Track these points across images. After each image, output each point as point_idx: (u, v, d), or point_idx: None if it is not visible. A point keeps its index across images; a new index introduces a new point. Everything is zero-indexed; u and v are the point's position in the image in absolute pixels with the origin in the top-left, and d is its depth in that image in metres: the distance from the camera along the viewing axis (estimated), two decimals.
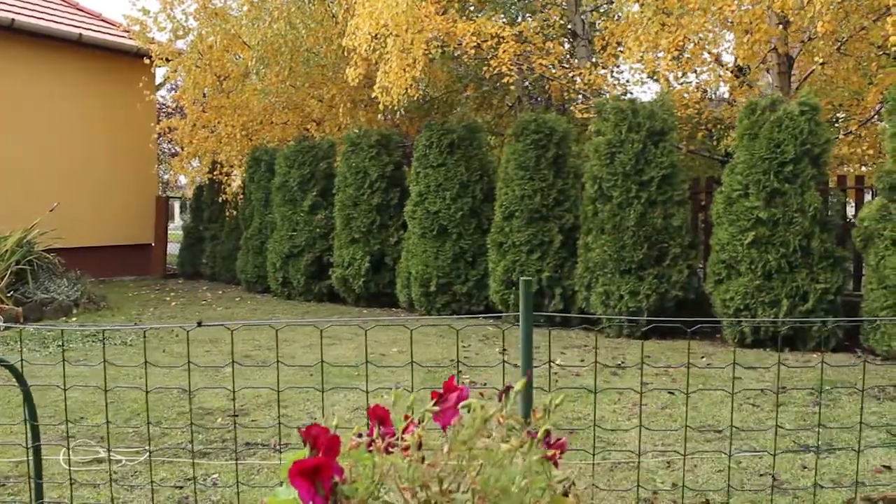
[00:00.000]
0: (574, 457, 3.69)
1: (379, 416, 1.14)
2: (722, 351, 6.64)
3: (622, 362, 6.07)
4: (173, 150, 15.55)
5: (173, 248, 14.83)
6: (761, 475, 3.50)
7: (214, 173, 12.11)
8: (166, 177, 14.52)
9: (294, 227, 10.23)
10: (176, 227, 18.71)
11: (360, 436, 1.11)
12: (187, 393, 5.12)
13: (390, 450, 1.08)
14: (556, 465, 1.19)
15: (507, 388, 1.26)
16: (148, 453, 3.77)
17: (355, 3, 8.32)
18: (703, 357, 6.35)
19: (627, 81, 11.40)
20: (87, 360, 6.21)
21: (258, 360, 6.30)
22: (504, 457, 1.07)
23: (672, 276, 7.13)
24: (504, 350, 6.67)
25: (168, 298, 10.58)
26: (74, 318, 8.76)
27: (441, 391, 1.18)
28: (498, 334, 7.41)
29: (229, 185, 12.06)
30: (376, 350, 6.69)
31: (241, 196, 11.88)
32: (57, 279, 9.44)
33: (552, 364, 6.09)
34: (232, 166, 11.94)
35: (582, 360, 6.19)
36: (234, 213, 12.12)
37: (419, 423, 1.14)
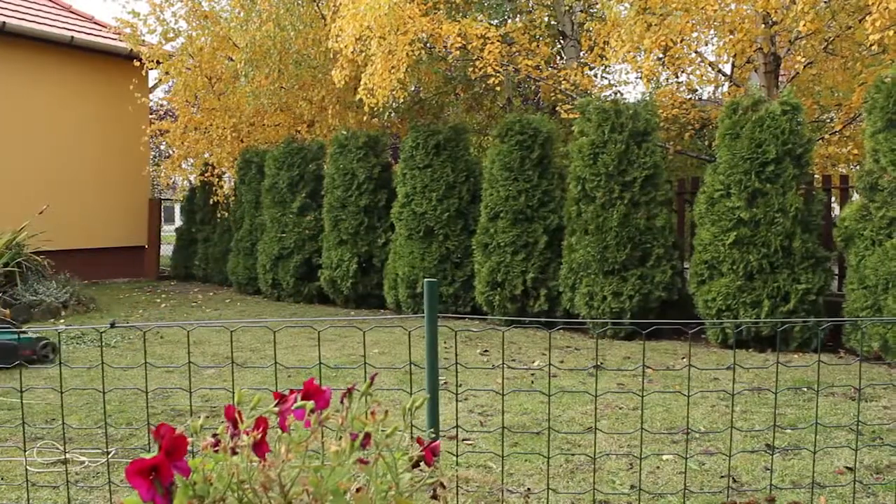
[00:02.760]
0: (537, 459, 3.68)
1: (231, 418, 1.14)
2: (704, 352, 6.61)
3: (601, 363, 6.06)
4: (168, 153, 15.58)
5: (169, 250, 14.86)
6: (722, 477, 3.48)
7: (206, 175, 12.13)
8: (159, 178, 14.51)
9: (283, 228, 10.24)
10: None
11: (214, 436, 1.11)
12: (165, 393, 5.13)
13: (236, 451, 1.07)
14: (428, 465, 1.19)
15: (350, 390, 1.25)
16: (111, 454, 3.77)
17: (340, 4, 8.32)
18: (683, 358, 6.33)
19: (616, 83, 11.35)
20: (68, 362, 6.22)
21: (237, 361, 6.30)
22: (334, 458, 1.07)
23: (655, 276, 7.11)
24: (486, 351, 6.70)
25: (158, 300, 10.60)
26: (63, 320, 8.77)
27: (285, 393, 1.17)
28: (481, 336, 7.41)
29: (221, 187, 12.07)
30: (357, 351, 6.68)
31: (233, 198, 11.90)
32: (46, 281, 9.46)
33: (506, 365, 6.08)
34: (223, 168, 11.95)
35: (562, 362, 6.18)
36: (226, 214, 12.13)
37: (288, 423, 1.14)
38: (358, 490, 1.05)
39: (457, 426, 2.87)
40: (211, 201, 12.34)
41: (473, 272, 8.35)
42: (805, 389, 5.10)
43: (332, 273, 9.55)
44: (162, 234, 14.48)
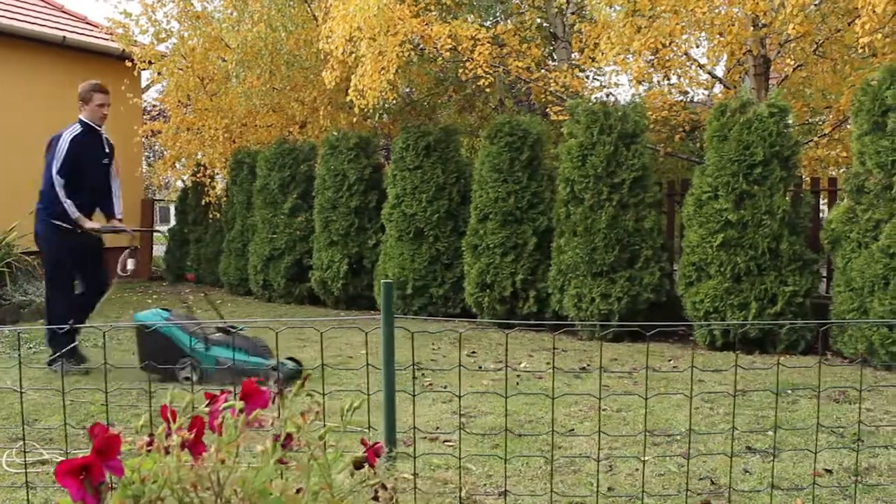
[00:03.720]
0: (517, 461, 3.68)
1: (166, 418, 1.14)
2: (691, 353, 6.61)
3: (587, 366, 6.06)
4: (162, 153, 15.56)
5: (162, 251, 14.83)
6: (700, 479, 3.48)
7: (198, 176, 12.12)
8: (152, 179, 14.50)
9: (274, 229, 10.24)
10: None
11: (151, 436, 1.11)
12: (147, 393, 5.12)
13: (169, 451, 1.07)
14: (371, 466, 1.19)
15: (281, 391, 1.25)
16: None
17: (331, 6, 8.32)
18: (670, 360, 6.34)
19: (608, 84, 11.36)
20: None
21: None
22: (261, 458, 1.07)
23: (644, 278, 7.12)
24: (473, 352, 6.70)
25: (150, 301, 10.58)
26: None
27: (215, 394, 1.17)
28: (470, 337, 7.40)
29: (213, 188, 12.06)
30: (345, 352, 6.68)
31: (225, 199, 11.89)
32: (36, 282, 9.43)
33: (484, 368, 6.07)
34: (215, 169, 11.94)
35: (548, 364, 6.17)
36: (218, 215, 12.12)
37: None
38: (298, 491, 1.04)
39: (414, 427, 2.87)
40: (203, 202, 12.34)
41: (464, 274, 8.35)
42: (790, 392, 5.10)
43: (322, 274, 9.54)
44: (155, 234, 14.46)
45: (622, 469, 3.61)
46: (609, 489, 3.34)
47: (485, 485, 3.40)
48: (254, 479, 1.02)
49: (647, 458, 3.72)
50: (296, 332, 7.50)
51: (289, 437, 1.12)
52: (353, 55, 8.23)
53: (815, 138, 8.46)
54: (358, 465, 1.16)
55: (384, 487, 1.18)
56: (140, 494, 1.00)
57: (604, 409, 4.71)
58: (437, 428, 4.28)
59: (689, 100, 10.83)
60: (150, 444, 1.09)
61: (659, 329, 6.67)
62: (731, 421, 4.45)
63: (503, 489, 3.32)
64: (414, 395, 2.84)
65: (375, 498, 1.17)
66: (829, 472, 3.54)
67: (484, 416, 4.60)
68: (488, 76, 8.71)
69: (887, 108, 5.73)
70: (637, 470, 3.60)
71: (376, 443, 1.19)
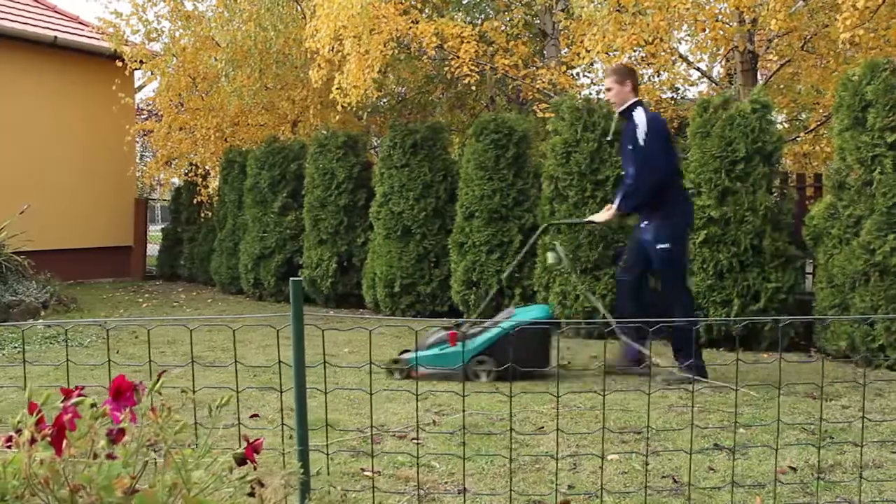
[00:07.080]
0: (480, 459, 3.68)
1: (33, 413, 1.14)
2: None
3: (568, 363, 6.05)
4: (156, 152, 15.58)
5: (156, 250, 14.86)
6: (664, 477, 3.47)
7: (190, 175, 12.14)
8: (143, 179, 14.52)
9: (265, 228, 10.24)
10: None
11: (18, 432, 1.11)
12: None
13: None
14: (252, 462, 1.19)
15: (157, 380, 1.25)
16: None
17: (317, 4, 8.32)
18: (652, 357, 6.31)
19: (597, 81, 11.32)
20: (39, 361, 6.23)
21: (208, 360, 6.31)
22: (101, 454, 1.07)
23: None
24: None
25: (141, 300, 10.60)
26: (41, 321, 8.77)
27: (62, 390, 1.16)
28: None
29: (205, 187, 12.08)
30: (329, 350, 6.66)
31: (217, 198, 11.90)
32: (26, 281, 9.45)
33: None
34: (207, 168, 11.96)
35: None
36: (210, 214, 12.14)
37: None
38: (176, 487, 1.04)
39: (326, 425, 2.88)
40: (195, 201, 12.35)
41: (451, 271, 8.34)
42: (768, 388, 5.08)
43: (312, 272, 9.54)
44: (150, 233, 14.50)
45: (586, 467, 3.60)
46: (569, 487, 3.33)
47: (445, 482, 3.40)
48: (100, 474, 1.01)
49: (611, 457, 3.71)
50: (285, 330, 7.48)
51: (121, 431, 1.12)
52: (340, 53, 8.23)
53: (802, 134, 8.43)
54: (239, 461, 1.16)
55: (261, 484, 1.18)
56: (4, 491, 1.00)
57: (577, 407, 4.71)
58: (408, 427, 4.27)
59: (681, 97, 10.80)
60: (9, 440, 1.09)
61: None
62: (704, 418, 4.45)
63: (462, 487, 3.32)
64: (326, 392, 2.85)
65: (251, 494, 1.17)
66: (794, 469, 3.52)
67: (456, 413, 4.59)
68: (474, 74, 8.69)
69: (867, 104, 5.70)
70: (601, 468, 3.59)
71: (256, 439, 1.19)
